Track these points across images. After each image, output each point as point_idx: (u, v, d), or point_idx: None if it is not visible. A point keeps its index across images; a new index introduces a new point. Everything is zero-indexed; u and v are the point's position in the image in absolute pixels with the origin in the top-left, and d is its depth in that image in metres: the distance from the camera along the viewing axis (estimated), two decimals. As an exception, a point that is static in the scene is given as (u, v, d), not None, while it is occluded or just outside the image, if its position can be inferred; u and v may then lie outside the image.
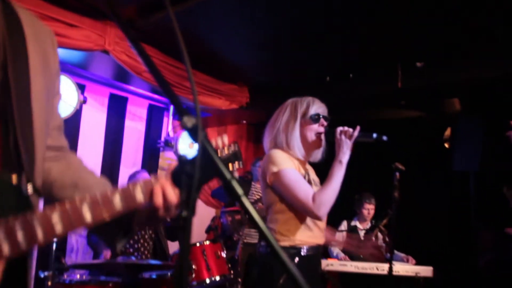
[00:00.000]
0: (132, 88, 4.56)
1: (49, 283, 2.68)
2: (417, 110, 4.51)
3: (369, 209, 4.52)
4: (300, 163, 2.03)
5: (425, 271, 3.99)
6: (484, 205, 4.43)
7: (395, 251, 4.37)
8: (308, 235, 1.95)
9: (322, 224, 2.03)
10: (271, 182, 1.95)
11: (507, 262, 4.39)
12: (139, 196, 0.87)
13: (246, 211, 0.68)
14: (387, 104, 4.16)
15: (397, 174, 2.70)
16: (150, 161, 4.86)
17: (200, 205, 5.26)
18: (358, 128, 1.96)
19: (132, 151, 4.75)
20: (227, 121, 5.62)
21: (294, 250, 1.91)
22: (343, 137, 1.94)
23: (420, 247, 4.39)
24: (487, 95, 3.83)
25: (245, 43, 3.72)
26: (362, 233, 4.48)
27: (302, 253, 1.92)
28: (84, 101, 3.97)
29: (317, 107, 2.04)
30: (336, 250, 4.54)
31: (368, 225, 4.57)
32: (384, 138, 1.94)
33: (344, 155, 1.93)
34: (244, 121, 5.17)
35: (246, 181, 4.75)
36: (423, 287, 3.90)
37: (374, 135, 1.94)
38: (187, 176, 0.66)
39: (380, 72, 3.61)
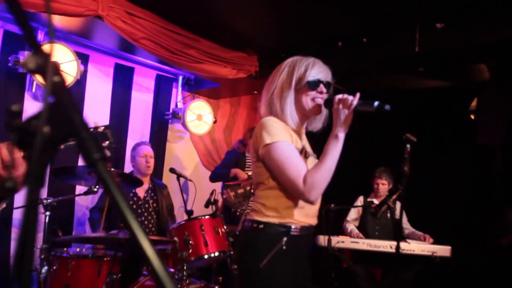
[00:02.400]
0: (138, 58, 4.40)
1: (42, 256, 2.63)
2: (438, 78, 4.16)
3: (379, 183, 4.29)
4: (297, 134, 1.83)
5: (443, 250, 3.76)
6: (510, 181, 4.11)
7: (413, 230, 4.16)
8: (300, 214, 1.76)
9: (319, 201, 1.84)
10: (262, 155, 1.74)
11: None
12: None
13: (102, 180, 0.50)
14: (404, 71, 3.84)
15: (408, 146, 2.44)
16: (158, 134, 4.75)
17: (202, 177, 5.15)
18: (357, 95, 1.69)
19: (139, 123, 4.65)
20: (240, 92, 5.41)
21: (283, 229, 1.73)
22: (340, 106, 1.68)
23: (439, 225, 4.15)
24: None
25: (252, 7, 3.47)
26: (378, 209, 4.27)
27: (292, 233, 1.74)
28: (85, 71, 3.85)
29: (317, 71, 1.78)
30: (350, 226, 4.36)
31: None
32: (387, 107, 1.64)
33: (341, 128, 1.68)
34: (256, 92, 4.94)
35: (240, 153, 4.59)
36: (439, 266, 3.68)
37: (376, 104, 1.65)
38: (28, 133, 0.48)
39: (396, 36, 3.30)
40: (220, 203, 4.99)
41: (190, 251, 2.84)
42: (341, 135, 1.68)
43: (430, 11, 3.06)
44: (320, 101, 1.78)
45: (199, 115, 4.72)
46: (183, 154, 5.08)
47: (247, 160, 4.52)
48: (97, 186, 2.51)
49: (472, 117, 4.61)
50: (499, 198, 4.09)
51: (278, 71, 1.86)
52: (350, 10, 3.25)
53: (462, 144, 4.36)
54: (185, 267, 2.77)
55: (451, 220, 4.43)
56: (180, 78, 4.93)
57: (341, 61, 3.71)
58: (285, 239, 1.72)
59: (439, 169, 4.53)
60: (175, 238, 2.90)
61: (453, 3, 2.94)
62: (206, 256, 2.87)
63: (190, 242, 2.85)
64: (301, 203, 1.74)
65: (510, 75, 4.00)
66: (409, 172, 2.47)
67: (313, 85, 1.77)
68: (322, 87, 1.78)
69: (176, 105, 4.88)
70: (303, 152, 1.77)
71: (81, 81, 4.03)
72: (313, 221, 1.83)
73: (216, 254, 2.89)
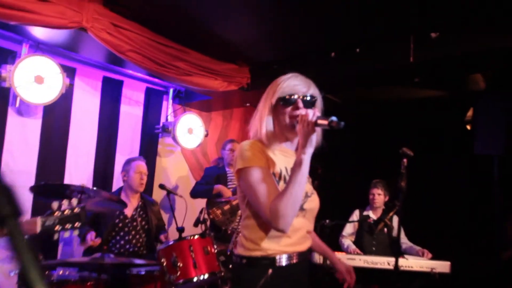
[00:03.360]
0: (127, 71, 4.30)
1: (19, 283, 2.48)
2: (433, 88, 4.08)
3: (375, 194, 4.19)
4: (286, 155, 1.71)
5: (442, 266, 3.64)
6: (509, 193, 4.02)
7: (411, 244, 4.04)
8: (285, 243, 1.62)
9: (306, 225, 1.71)
10: (237, 179, 1.66)
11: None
12: None
13: (10, 238, 0.40)
14: (399, 81, 3.75)
15: (405, 160, 2.34)
16: (148, 148, 4.62)
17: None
18: (315, 112, 1.53)
19: (128, 137, 4.52)
20: (232, 104, 5.31)
21: (266, 261, 1.60)
22: (300, 126, 1.53)
23: (437, 239, 4.04)
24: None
25: (243, 18, 3.38)
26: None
27: (278, 264, 1.61)
28: (71, 85, 3.74)
29: (292, 86, 1.65)
30: (347, 242, 4.23)
31: (380, 214, 4.24)
32: (342, 125, 1.46)
33: (304, 150, 1.51)
34: (248, 104, 4.84)
35: (219, 169, 4.50)
36: (439, 284, 3.55)
37: (333, 118, 1.46)
38: None
39: (390, 45, 3.21)
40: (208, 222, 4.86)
41: (179, 273, 2.70)
42: (305, 157, 1.52)
43: (425, 20, 2.98)
44: (296, 114, 1.64)
45: (190, 129, 4.60)
46: (174, 168, 4.95)
47: (228, 175, 4.41)
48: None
49: (468, 127, 4.53)
50: (497, 209, 3.98)
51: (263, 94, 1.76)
52: (343, 20, 3.17)
53: (459, 155, 4.27)
54: (173, 291, 2.62)
55: (449, 232, 4.32)
56: (171, 90, 4.83)
57: (334, 72, 3.62)
58: (270, 271, 1.59)
59: (435, 181, 4.44)
60: (163, 260, 2.76)
61: (447, 12, 2.86)
62: (195, 279, 2.73)
63: (178, 264, 2.71)
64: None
65: (506, 85, 3.93)
66: (406, 188, 2.37)
67: (285, 101, 1.64)
68: (298, 102, 1.63)
69: (167, 119, 4.77)
70: (282, 176, 1.64)
71: (67, 95, 3.91)
72: (302, 247, 1.69)
73: (206, 276, 2.75)
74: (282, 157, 1.71)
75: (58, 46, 3.61)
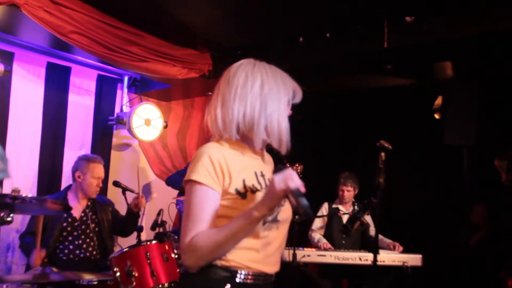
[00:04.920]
0: (76, 56, 3.86)
1: None
2: (404, 76, 3.95)
3: (344, 190, 4.03)
4: (251, 157, 1.46)
5: (414, 259, 3.55)
6: (478, 182, 3.97)
7: (381, 237, 3.92)
8: (252, 258, 1.36)
9: (278, 239, 1.44)
10: (184, 185, 1.42)
11: (497, 239, 4.01)
12: None
13: None
14: (371, 69, 3.58)
15: (382, 154, 2.14)
16: (101, 142, 4.22)
17: (155, 188, 4.70)
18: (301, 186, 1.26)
19: (79, 130, 4.10)
20: (193, 93, 4.98)
21: (226, 273, 1.34)
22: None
23: (407, 232, 3.95)
24: (485, 57, 3.27)
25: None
26: (345, 218, 4.00)
27: (238, 279, 1.35)
28: (8, 71, 3.29)
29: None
30: (317, 236, 4.06)
31: (350, 207, 4.09)
32: (309, 215, 1.22)
33: (262, 208, 1.26)
34: (210, 93, 4.52)
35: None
36: (411, 277, 3.45)
37: (304, 203, 1.21)
38: None
39: (363, 30, 3.00)
40: (175, 218, 4.55)
41: (134, 284, 2.41)
42: (258, 217, 1.27)
43: (399, 4, 2.79)
44: None
45: (147, 120, 4.24)
46: (131, 163, 4.58)
47: None
48: (11, 215, 2.02)
49: (437, 116, 4.45)
50: (467, 200, 3.93)
51: (221, 80, 1.48)
52: (312, 2, 2.93)
53: (429, 146, 4.17)
54: (128, 305, 2.33)
55: (420, 225, 4.24)
56: (126, 78, 4.42)
57: (302, 59, 3.39)
58: (228, 286, 1.33)
59: (405, 172, 4.33)
60: (116, 269, 2.45)
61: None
62: (154, 289, 2.44)
63: (134, 273, 2.41)
64: (256, 244, 1.36)
65: (476, 73, 3.85)
66: (384, 184, 2.18)
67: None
68: None
69: (122, 109, 4.37)
70: (256, 188, 1.39)
71: (4, 83, 3.48)
72: (271, 269, 1.44)
73: (166, 285, 2.47)
74: (251, 160, 1.45)
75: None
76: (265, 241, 1.37)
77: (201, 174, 1.33)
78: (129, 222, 3.45)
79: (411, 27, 2.82)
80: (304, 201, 1.22)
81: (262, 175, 1.44)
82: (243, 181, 1.37)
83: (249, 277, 1.36)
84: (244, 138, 1.44)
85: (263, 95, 1.41)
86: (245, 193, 1.37)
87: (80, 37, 2.83)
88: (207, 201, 1.33)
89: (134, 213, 3.40)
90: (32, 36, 3.38)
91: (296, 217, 1.22)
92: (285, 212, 1.45)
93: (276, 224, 1.41)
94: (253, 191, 1.38)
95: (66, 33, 2.74)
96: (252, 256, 1.36)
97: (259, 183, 1.41)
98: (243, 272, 1.35)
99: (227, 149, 1.41)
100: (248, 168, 1.42)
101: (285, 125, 1.42)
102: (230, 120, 1.40)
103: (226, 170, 1.36)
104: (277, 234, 1.43)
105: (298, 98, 1.48)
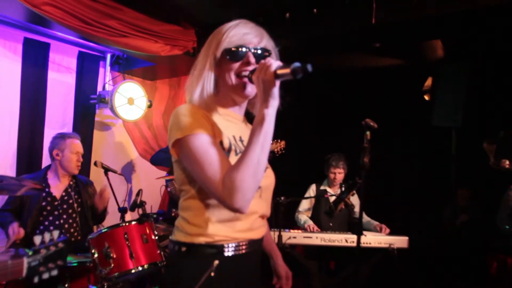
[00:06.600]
0: (56, 32, 3.70)
1: None
2: (392, 56, 3.85)
3: (335, 173, 3.97)
4: (229, 120, 1.38)
5: (400, 241, 3.53)
6: (465, 164, 3.93)
7: (369, 219, 3.89)
8: (236, 228, 1.32)
9: (262, 207, 1.40)
10: (176, 153, 1.30)
11: (482, 221, 4.02)
12: None
13: None
14: (359, 46, 3.47)
15: (368, 134, 2.06)
16: (83, 121, 4.10)
17: (139, 169, 4.62)
18: (278, 62, 1.18)
19: (59, 109, 3.98)
20: (179, 72, 4.83)
21: (212, 250, 1.30)
22: (259, 75, 1.18)
23: (394, 214, 3.92)
24: (477, 34, 3.18)
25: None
26: (333, 200, 3.95)
27: (226, 253, 1.30)
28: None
29: (240, 35, 1.32)
30: (303, 218, 4.01)
31: (338, 189, 4.04)
32: (309, 68, 1.11)
33: (266, 104, 1.17)
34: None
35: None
36: (397, 259, 3.43)
37: (296, 64, 1.12)
38: None
39: (350, 5, 2.89)
40: (164, 198, 4.46)
41: (112, 265, 2.34)
42: (268, 112, 1.18)
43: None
44: (245, 70, 1.31)
45: (130, 99, 4.12)
46: (114, 143, 4.47)
47: None
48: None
49: (426, 97, 4.38)
50: (454, 183, 3.90)
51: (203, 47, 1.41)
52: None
53: (418, 127, 4.12)
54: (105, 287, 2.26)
55: (406, 206, 4.22)
56: (108, 56, 4.28)
57: (288, 36, 3.27)
58: (216, 262, 1.27)
59: (392, 153, 4.28)
60: (93, 251, 2.38)
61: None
62: (133, 271, 2.38)
63: (112, 255, 2.34)
64: (234, 213, 1.29)
65: (467, 54, 3.77)
66: (369, 164, 2.12)
67: (233, 54, 1.31)
68: (249, 56, 1.31)
69: (104, 88, 4.24)
70: (232, 149, 1.31)
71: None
72: (255, 234, 1.39)
73: (146, 267, 2.41)
74: (229, 123, 1.38)
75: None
76: (248, 210, 1.30)
77: (190, 126, 1.23)
78: (95, 217, 3.33)
79: (401, 2, 2.71)
80: (294, 64, 1.12)
81: (241, 140, 1.37)
82: (227, 138, 1.31)
83: (239, 247, 1.32)
84: (220, 102, 1.39)
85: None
86: (228, 153, 1.30)
87: (54, 9, 2.69)
88: (209, 144, 1.23)
89: (99, 213, 3.27)
90: (5, 8, 3.21)
91: (298, 75, 1.10)
92: (267, 178, 1.40)
93: (259, 191, 1.35)
94: (236, 152, 1.31)
95: (38, 5, 2.59)
96: (237, 227, 1.31)
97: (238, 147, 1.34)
98: (230, 244, 1.30)
99: (205, 109, 1.34)
100: (229, 128, 1.35)
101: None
102: (197, 84, 1.36)
103: (210, 120, 1.29)
104: (260, 203, 1.38)
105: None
